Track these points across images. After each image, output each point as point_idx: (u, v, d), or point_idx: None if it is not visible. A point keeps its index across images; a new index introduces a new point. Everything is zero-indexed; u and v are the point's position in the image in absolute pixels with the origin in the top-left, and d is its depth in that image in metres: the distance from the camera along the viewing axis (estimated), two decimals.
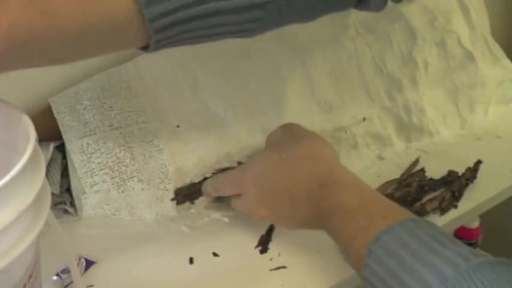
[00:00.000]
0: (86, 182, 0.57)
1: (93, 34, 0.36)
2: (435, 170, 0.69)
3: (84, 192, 0.57)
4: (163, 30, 0.38)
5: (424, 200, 0.64)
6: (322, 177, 0.51)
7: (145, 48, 0.40)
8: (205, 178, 0.62)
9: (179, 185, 0.61)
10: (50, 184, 0.56)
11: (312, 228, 0.52)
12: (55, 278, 0.49)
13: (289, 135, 0.57)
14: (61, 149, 0.58)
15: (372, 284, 0.43)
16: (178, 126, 0.63)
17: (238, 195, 0.56)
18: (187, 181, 0.62)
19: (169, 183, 0.60)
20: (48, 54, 0.36)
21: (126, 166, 0.58)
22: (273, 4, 0.41)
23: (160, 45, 0.40)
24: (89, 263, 0.52)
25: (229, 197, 0.58)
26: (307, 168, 0.52)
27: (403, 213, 0.46)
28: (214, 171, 0.63)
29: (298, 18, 0.46)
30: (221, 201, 0.62)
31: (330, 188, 0.49)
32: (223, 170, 0.63)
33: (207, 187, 0.60)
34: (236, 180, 0.57)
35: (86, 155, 0.57)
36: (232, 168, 0.64)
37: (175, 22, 0.38)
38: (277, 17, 0.43)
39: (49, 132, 0.58)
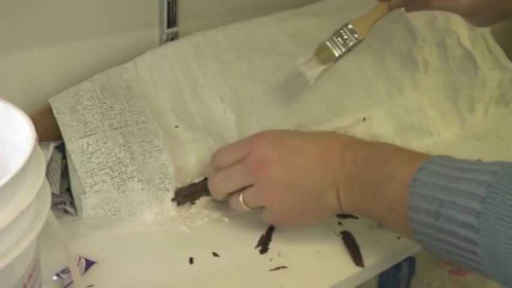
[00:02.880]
0: (86, 182, 0.57)
1: None
2: None
3: (84, 192, 0.57)
4: None
5: None
6: (360, 139, 0.54)
7: None
8: (206, 178, 0.62)
9: (179, 185, 0.61)
10: (50, 184, 0.56)
11: (325, 197, 0.52)
12: (55, 278, 0.49)
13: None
14: (61, 149, 0.58)
15: (420, 208, 0.44)
16: (176, 127, 0.63)
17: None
18: (187, 181, 0.62)
19: (169, 183, 0.60)
20: None
21: (126, 166, 0.58)
22: None
23: None
24: (89, 263, 0.52)
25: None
26: (341, 135, 0.56)
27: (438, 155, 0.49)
28: None
29: None
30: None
31: (370, 143, 0.53)
32: None
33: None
34: (243, 142, 0.57)
35: (86, 155, 0.57)
36: None
37: None
38: None
39: (49, 132, 0.58)
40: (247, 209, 0.56)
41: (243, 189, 0.55)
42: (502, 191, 0.40)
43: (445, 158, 0.46)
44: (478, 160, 0.45)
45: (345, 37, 0.62)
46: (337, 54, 0.62)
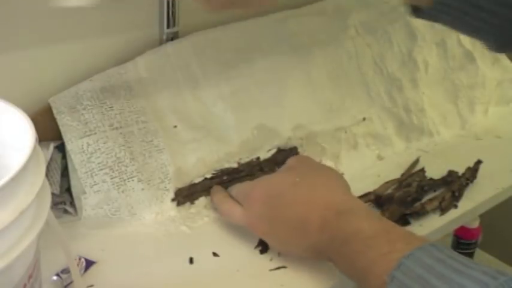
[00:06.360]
0: (86, 182, 0.57)
1: None
2: (435, 170, 0.69)
3: (84, 192, 0.57)
4: None
5: (424, 200, 0.64)
6: (339, 206, 0.51)
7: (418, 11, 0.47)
8: (206, 179, 0.62)
9: (179, 185, 0.61)
10: (50, 184, 0.56)
11: (312, 257, 0.52)
12: (55, 278, 0.49)
13: (304, 165, 0.58)
14: (61, 149, 0.58)
15: None
16: (176, 127, 0.63)
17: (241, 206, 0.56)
18: (187, 181, 0.62)
19: (169, 183, 0.60)
20: None
21: (126, 166, 0.58)
22: None
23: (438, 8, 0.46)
24: (89, 263, 0.52)
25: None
26: (323, 196, 0.52)
27: (422, 239, 0.46)
28: (215, 172, 0.63)
29: None
30: None
31: (348, 215, 0.49)
32: (223, 171, 0.63)
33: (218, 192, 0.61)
34: (245, 192, 0.56)
35: (86, 155, 0.57)
36: (232, 168, 0.64)
37: None
38: None
39: (49, 132, 0.58)
40: None
41: None
42: None
43: (427, 251, 0.43)
44: (467, 259, 0.42)
45: None
46: None
